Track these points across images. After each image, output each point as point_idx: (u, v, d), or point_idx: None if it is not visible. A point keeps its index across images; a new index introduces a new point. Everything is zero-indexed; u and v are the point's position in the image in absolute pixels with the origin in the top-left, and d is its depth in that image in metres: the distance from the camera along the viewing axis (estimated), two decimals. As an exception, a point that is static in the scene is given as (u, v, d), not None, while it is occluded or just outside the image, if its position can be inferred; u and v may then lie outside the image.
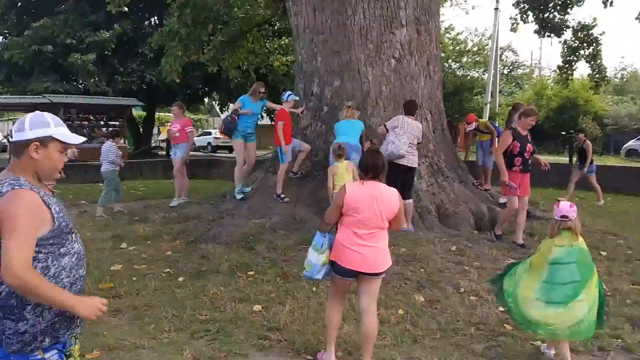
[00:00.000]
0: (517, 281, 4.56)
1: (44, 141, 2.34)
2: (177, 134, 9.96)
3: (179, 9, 12.47)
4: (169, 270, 6.57)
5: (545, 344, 4.71)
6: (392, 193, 4.04)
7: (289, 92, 8.59)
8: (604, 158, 22.22)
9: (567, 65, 17.65)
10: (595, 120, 28.32)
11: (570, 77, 17.98)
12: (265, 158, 11.81)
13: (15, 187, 2.24)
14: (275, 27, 21.06)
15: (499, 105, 26.29)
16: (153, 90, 25.52)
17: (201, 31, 13.09)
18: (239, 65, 19.38)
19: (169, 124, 10.28)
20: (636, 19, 15.97)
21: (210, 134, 41.01)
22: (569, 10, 16.79)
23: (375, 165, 4.02)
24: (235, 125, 8.81)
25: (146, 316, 5.23)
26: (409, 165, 7.69)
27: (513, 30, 17.37)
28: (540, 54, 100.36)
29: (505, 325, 5.15)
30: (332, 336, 4.19)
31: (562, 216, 4.39)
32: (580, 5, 16.79)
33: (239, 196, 8.90)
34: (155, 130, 35.07)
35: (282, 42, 21.85)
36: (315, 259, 4.09)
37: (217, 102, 29.74)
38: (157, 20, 26.11)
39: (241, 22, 15.52)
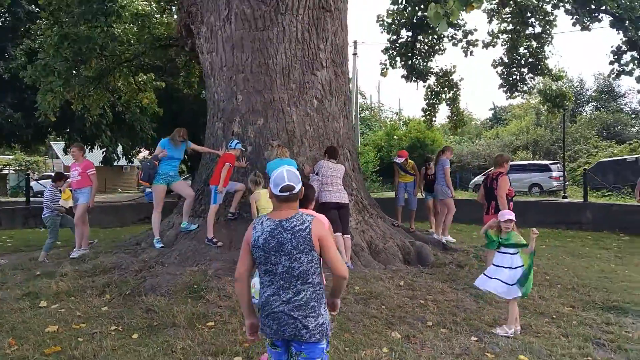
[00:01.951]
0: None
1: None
2: (79, 177, 9.09)
3: (57, 42, 11.47)
4: (115, 327, 5.91)
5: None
6: (321, 219, 3.89)
7: (236, 141, 8.23)
8: (457, 192, 24.02)
9: (430, 108, 19.06)
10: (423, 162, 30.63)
11: (433, 119, 19.34)
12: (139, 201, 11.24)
13: None
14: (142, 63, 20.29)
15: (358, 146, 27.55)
16: (-10, 129, 23.09)
17: (82, 66, 12.17)
18: (102, 103, 18.40)
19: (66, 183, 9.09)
20: (492, 65, 17.76)
21: (50, 177, 37.86)
22: (432, 58, 18.25)
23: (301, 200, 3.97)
24: (156, 170, 8.29)
25: (123, 380, 4.65)
26: (339, 202, 7.83)
27: (383, 74, 18.36)
28: (378, 97, 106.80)
29: (486, 353, 5.34)
30: None
31: (509, 220, 5.88)
32: (441, 54, 18.33)
33: (158, 245, 8.32)
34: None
35: (141, 79, 21.00)
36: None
37: (66, 141, 27.55)
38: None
39: (110, 57, 14.69)
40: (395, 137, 33.24)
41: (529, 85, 18.44)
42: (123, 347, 5.39)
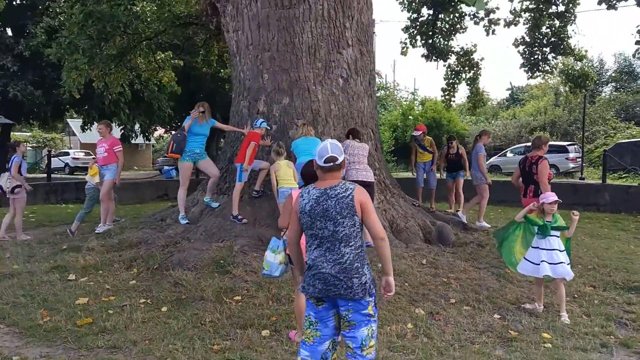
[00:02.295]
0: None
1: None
2: (105, 154, 9.21)
3: (82, 20, 11.55)
4: (144, 300, 6.08)
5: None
6: None
7: (261, 120, 8.25)
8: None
9: (450, 88, 18.93)
10: (458, 139, 30.48)
11: (453, 99, 19.22)
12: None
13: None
14: (160, 41, 20.32)
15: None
16: (16, 106, 23.29)
17: (106, 44, 12.25)
18: (122, 81, 18.51)
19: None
20: (513, 44, 17.58)
21: (68, 154, 38.15)
22: (453, 36, 18.07)
23: (313, 175, 4.18)
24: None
25: (155, 351, 4.80)
26: (365, 180, 7.88)
27: (403, 53, 18.28)
28: (393, 77, 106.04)
29: (509, 331, 5.42)
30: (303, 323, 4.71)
31: (555, 201, 5.84)
32: (463, 33, 18.15)
33: (183, 221, 8.43)
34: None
35: (159, 58, 21.04)
36: (273, 258, 4.66)
37: (84, 119, 27.73)
38: (17, 31, 23.96)
39: (132, 35, 14.74)
40: (411, 117, 33.12)
41: (550, 65, 18.26)
42: (153, 320, 5.54)
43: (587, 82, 18.49)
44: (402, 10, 17.77)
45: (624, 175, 21.51)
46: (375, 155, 9.21)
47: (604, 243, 9.92)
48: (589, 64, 37.59)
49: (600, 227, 12.29)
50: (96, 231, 9.14)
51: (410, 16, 17.87)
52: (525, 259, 6.00)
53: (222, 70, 22.11)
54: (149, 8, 15.61)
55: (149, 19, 14.23)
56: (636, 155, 22.86)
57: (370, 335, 3.53)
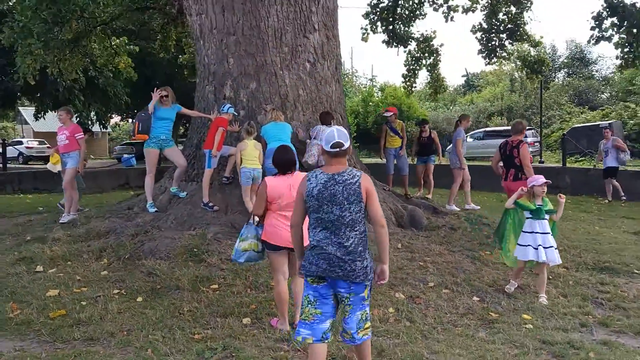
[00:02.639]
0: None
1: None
2: (67, 141, 8.91)
3: (36, 3, 11.09)
4: (118, 291, 5.92)
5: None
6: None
7: (228, 105, 8.08)
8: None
9: (410, 74, 19.04)
10: (418, 125, 30.76)
11: (414, 85, 19.35)
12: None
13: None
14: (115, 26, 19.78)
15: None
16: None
17: (62, 27, 11.80)
18: (78, 67, 17.99)
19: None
20: (471, 31, 17.80)
21: (21, 143, 36.93)
22: (412, 23, 18.16)
23: (284, 162, 4.72)
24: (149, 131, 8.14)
25: (134, 341, 4.68)
26: None
27: (364, 39, 18.27)
28: (351, 63, 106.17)
29: (490, 313, 5.50)
30: (284, 309, 4.90)
31: (545, 182, 5.89)
32: (422, 19, 18.27)
33: (152, 209, 8.25)
34: None
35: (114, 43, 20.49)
36: (237, 245, 4.94)
37: (37, 107, 26.88)
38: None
39: (88, 20, 14.27)
40: (371, 103, 33.25)
41: (507, 51, 18.55)
42: (129, 310, 5.41)
43: (543, 67, 18.88)
44: (362, -4, 17.65)
45: (580, 159, 22.12)
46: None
47: (570, 225, 10.18)
48: (542, 50, 38.43)
49: (564, 209, 12.56)
50: (60, 221, 8.85)
51: (371, 2, 17.88)
52: (520, 244, 6.02)
53: (180, 56, 21.64)
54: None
55: (104, 3, 13.78)
56: (591, 139, 23.50)
57: (364, 317, 3.69)
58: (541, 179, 5.95)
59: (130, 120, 41.03)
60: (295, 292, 4.94)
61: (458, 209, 10.09)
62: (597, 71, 42.57)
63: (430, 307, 5.61)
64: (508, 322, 5.28)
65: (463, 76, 54.98)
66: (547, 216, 5.96)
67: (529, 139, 26.41)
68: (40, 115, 27.85)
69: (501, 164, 8.20)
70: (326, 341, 3.69)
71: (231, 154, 8.08)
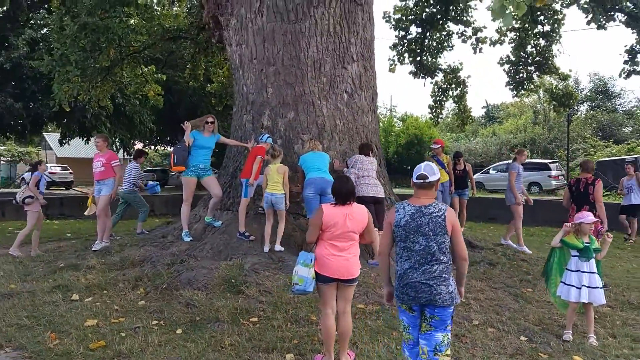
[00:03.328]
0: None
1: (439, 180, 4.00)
2: (103, 168, 8.93)
3: (76, 32, 11.29)
4: (157, 322, 5.81)
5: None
6: (362, 209, 4.72)
7: (267, 135, 8.11)
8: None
9: (436, 105, 19.04)
10: (452, 158, 30.65)
11: (440, 115, 19.31)
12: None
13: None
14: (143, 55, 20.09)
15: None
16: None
17: (101, 56, 11.99)
18: (113, 95, 18.27)
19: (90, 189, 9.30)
20: (499, 63, 17.78)
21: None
22: (440, 54, 18.22)
23: (345, 192, 4.66)
24: (187, 160, 8.13)
25: (179, 376, 4.55)
26: (376, 196, 7.82)
27: (391, 70, 18.32)
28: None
29: (539, 353, 5.30)
30: (330, 345, 4.71)
31: (595, 222, 5.74)
32: (450, 50, 18.32)
33: (187, 238, 8.19)
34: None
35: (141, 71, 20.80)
36: (307, 273, 4.61)
37: (63, 132, 27.24)
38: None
39: (123, 48, 14.51)
40: (392, 133, 33.22)
41: (535, 84, 18.51)
42: (170, 343, 5.30)
43: (571, 100, 18.77)
44: (390, 29, 17.80)
45: (606, 193, 21.76)
46: (379, 170, 9.09)
47: (606, 262, 9.88)
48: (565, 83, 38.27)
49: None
50: (93, 248, 8.83)
51: (399, 34, 17.98)
52: (563, 282, 5.82)
53: (208, 85, 21.88)
54: (138, 21, 15.42)
55: (141, 32, 14.01)
56: (617, 173, 23.17)
57: (445, 342, 3.85)
58: (591, 216, 5.77)
59: (152, 147, 41.48)
60: (324, 330, 4.75)
61: (530, 252, 9.80)
62: (620, 105, 42.31)
63: (477, 347, 5.42)
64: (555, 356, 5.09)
65: (483, 107, 55.03)
66: (594, 254, 5.75)
67: (553, 173, 26.24)
68: (65, 141, 28.21)
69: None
70: None
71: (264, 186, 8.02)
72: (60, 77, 11.87)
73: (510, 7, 4.88)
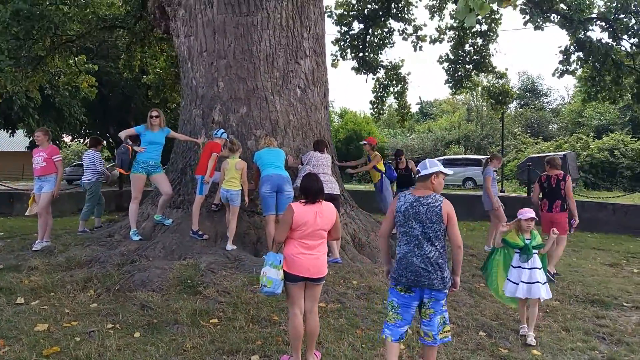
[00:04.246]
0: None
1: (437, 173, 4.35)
2: (44, 164, 8.44)
3: (9, 19, 10.61)
4: (112, 325, 5.55)
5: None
6: (330, 207, 4.73)
7: (222, 130, 7.87)
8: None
9: (378, 101, 19.21)
10: (378, 151, 31.00)
11: (381, 112, 19.49)
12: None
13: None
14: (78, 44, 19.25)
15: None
16: None
17: (36, 45, 11.34)
18: (41, 86, 17.45)
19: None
20: (438, 61, 18.11)
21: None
22: (381, 51, 18.38)
23: (315, 191, 4.63)
24: (135, 157, 7.81)
25: (143, 383, 4.35)
26: (331, 192, 7.78)
27: (334, 65, 18.32)
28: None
29: (499, 348, 5.41)
30: (297, 345, 4.68)
31: (531, 218, 5.67)
32: (391, 47, 18.51)
33: (136, 237, 7.89)
34: None
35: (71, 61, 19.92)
36: (275, 274, 4.54)
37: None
38: None
39: (52, 37, 13.78)
40: (331, 128, 33.35)
41: (473, 82, 18.98)
42: (129, 347, 5.06)
43: (508, 98, 19.36)
44: (332, 24, 17.81)
45: (536, 188, 22.59)
46: (333, 167, 9.05)
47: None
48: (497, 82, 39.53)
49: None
50: (33, 248, 8.33)
51: (341, 29, 18.01)
52: (508, 279, 5.84)
53: (144, 76, 21.20)
54: (71, 9, 14.71)
55: (78, 20, 13.37)
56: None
57: (443, 321, 4.31)
58: (528, 213, 5.72)
59: (81, 140, 39.89)
60: (292, 331, 4.67)
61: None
62: (547, 103, 44.15)
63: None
64: (519, 358, 5.19)
65: (417, 104, 56.03)
66: (535, 251, 5.74)
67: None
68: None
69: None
70: (401, 341, 4.39)
71: (220, 181, 7.83)
72: (-6, 66, 11.14)
73: (474, 7, 4.90)
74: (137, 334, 5.37)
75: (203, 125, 8.51)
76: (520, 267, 5.72)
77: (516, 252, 5.80)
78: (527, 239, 5.72)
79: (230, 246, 7.39)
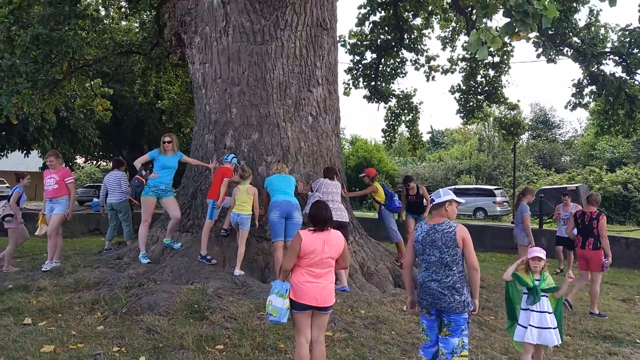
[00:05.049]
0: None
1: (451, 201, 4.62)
2: (56, 186, 8.52)
3: (28, 43, 10.84)
4: (118, 348, 5.54)
5: None
6: (338, 235, 4.73)
7: (232, 155, 7.96)
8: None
9: (389, 129, 19.29)
10: (387, 179, 31.05)
11: (393, 140, 19.56)
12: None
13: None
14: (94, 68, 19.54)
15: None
16: None
17: (53, 69, 11.55)
18: (57, 108, 17.71)
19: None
20: (449, 91, 18.21)
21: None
22: (393, 80, 18.53)
23: (323, 218, 4.63)
24: (144, 186, 7.89)
25: (147, 409, 4.33)
26: (340, 220, 7.76)
27: (346, 94, 18.48)
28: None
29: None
30: None
31: (537, 257, 5.34)
32: (403, 77, 18.65)
33: (144, 260, 7.91)
34: None
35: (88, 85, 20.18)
36: (281, 303, 4.54)
37: (3, 145, 26.11)
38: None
39: (70, 61, 14.03)
40: (342, 155, 33.52)
41: (485, 113, 19.03)
42: (134, 371, 5.05)
43: (519, 129, 19.38)
44: (345, 53, 18.03)
45: (547, 220, 22.44)
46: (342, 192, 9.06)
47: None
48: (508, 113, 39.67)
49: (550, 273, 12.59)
50: (43, 269, 8.38)
51: (354, 58, 18.19)
52: (518, 323, 5.45)
53: (158, 102, 21.47)
54: (89, 34, 15.01)
55: (95, 45, 13.62)
56: (559, 201, 23.98)
57: (461, 345, 4.45)
58: (535, 252, 5.37)
59: (94, 162, 40.25)
60: (314, 358, 4.66)
61: None
62: (559, 135, 44.11)
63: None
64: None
65: (428, 133, 56.10)
66: (544, 294, 5.30)
67: (498, 199, 26.94)
68: (2, 154, 27.05)
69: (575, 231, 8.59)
70: None
71: (231, 205, 7.85)
72: (8, 88, 11.33)
73: (487, 40, 4.96)
74: (143, 358, 5.35)
75: (215, 150, 8.58)
76: (529, 309, 5.34)
77: (524, 293, 5.41)
78: (536, 279, 5.34)
79: (237, 271, 7.39)
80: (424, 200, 10.83)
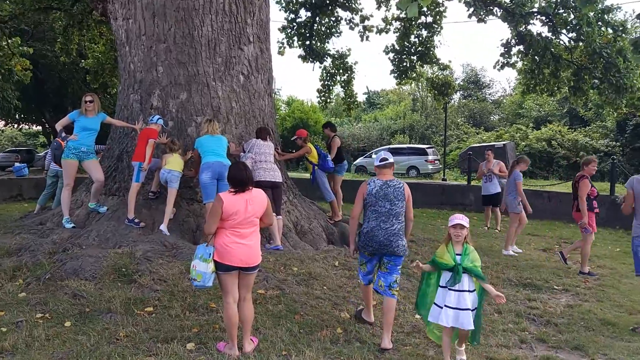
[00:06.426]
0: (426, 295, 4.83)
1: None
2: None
3: None
4: (42, 315, 5.37)
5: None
6: (261, 193, 4.76)
7: (157, 116, 7.67)
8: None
9: (325, 89, 19.20)
10: (324, 140, 31.05)
11: (328, 100, 19.50)
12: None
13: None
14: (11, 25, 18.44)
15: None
16: None
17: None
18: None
19: None
20: (384, 51, 18.23)
21: None
22: (328, 40, 18.36)
23: (242, 180, 4.58)
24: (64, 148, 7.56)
25: (73, 373, 4.23)
26: (273, 180, 7.72)
27: (280, 53, 18.21)
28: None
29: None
30: (234, 333, 4.67)
31: (457, 224, 4.48)
32: (338, 37, 18.49)
33: (68, 225, 7.63)
34: None
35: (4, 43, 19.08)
36: (205, 268, 4.51)
37: None
38: None
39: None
40: (278, 116, 33.19)
41: (417, 73, 19.18)
42: (58, 337, 4.91)
43: (450, 90, 19.70)
44: (279, 10, 17.68)
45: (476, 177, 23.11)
46: (275, 155, 8.98)
47: (485, 242, 10.52)
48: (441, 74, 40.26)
49: (473, 225, 12.94)
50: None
51: (288, 16, 17.88)
52: (435, 303, 4.66)
53: (82, 61, 20.50)
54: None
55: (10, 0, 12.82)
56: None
57: (397, 280, 5.22)
58: (455, 219, 4.57)
59: (15, 125, 38.42)
60: (227, 319, 4.64)
61: (516, 253, 9.56)
62: (489, 94, 45.25)
63: (376, 326, 5.54)
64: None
65: (364, 94, 56.37)
66: (465, 275, 4.50)
67: (430, 157, 27.51)
68: None
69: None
70: (370, 284, 5.39)
71: (159, 167, 7.64)
72: None
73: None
74: (68, 323, 5.22)
75: (141, 110, 8.29)
76: (446, 287, 4.54)
77: (443, 270, 4.59)
78: (457, 254, 4.51)
79: (164, 227, 7.24)
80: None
